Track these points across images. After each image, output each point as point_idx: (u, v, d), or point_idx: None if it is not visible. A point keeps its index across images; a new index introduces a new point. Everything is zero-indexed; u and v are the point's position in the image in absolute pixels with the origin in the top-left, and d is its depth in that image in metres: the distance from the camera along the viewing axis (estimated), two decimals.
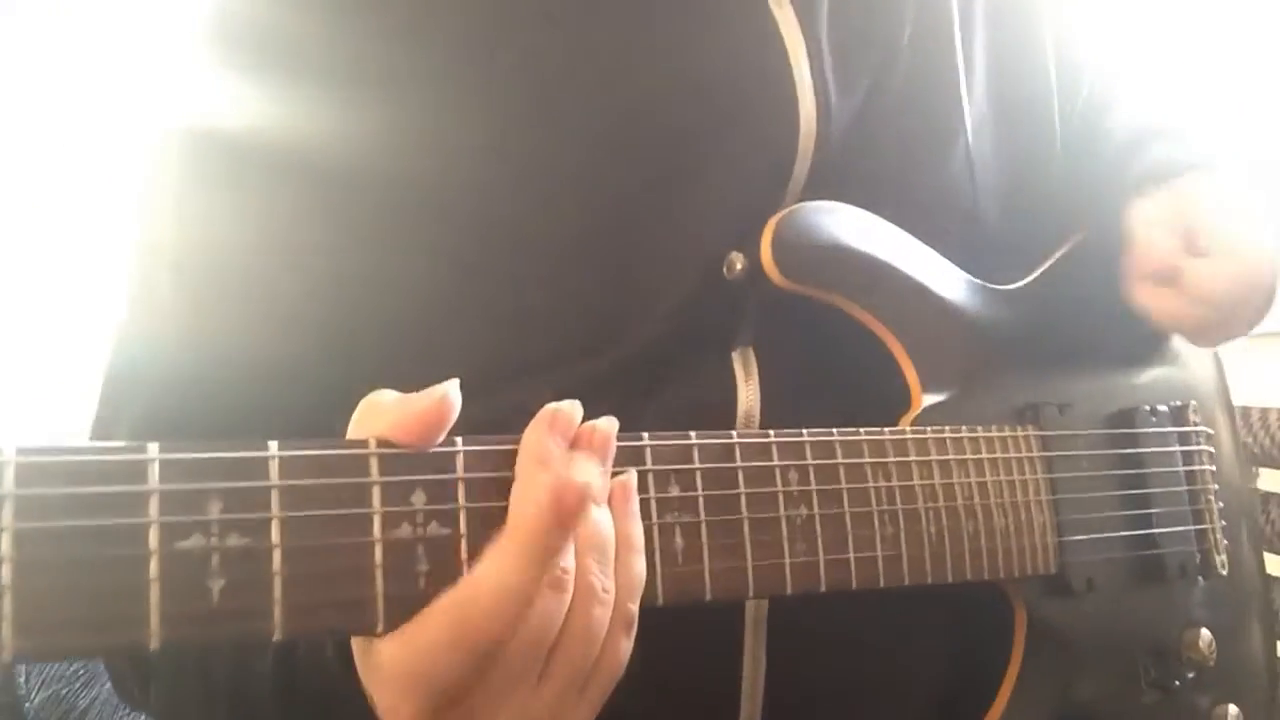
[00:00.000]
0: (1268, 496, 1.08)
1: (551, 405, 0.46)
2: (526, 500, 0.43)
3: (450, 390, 0.43)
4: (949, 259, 0.71)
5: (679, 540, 0.50)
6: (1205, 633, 0.76)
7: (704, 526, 0.51)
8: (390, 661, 0.41)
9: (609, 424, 0.47)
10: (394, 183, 0.60)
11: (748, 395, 0.62)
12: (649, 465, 0.50)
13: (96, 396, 0.66)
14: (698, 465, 0.52)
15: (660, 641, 0.61)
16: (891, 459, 0.60)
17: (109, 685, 1.40)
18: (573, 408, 0.46)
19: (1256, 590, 0.84)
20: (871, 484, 0.58)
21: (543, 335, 0.61)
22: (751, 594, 0.53)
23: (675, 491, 0.51)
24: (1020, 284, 0.76)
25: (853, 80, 0.68)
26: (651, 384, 0.62)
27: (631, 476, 0.48)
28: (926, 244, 0.70)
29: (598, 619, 0.45)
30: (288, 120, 0.60)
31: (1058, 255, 0.80)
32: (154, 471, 0.37)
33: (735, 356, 0.64)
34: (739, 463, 0.53)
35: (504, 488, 0.44)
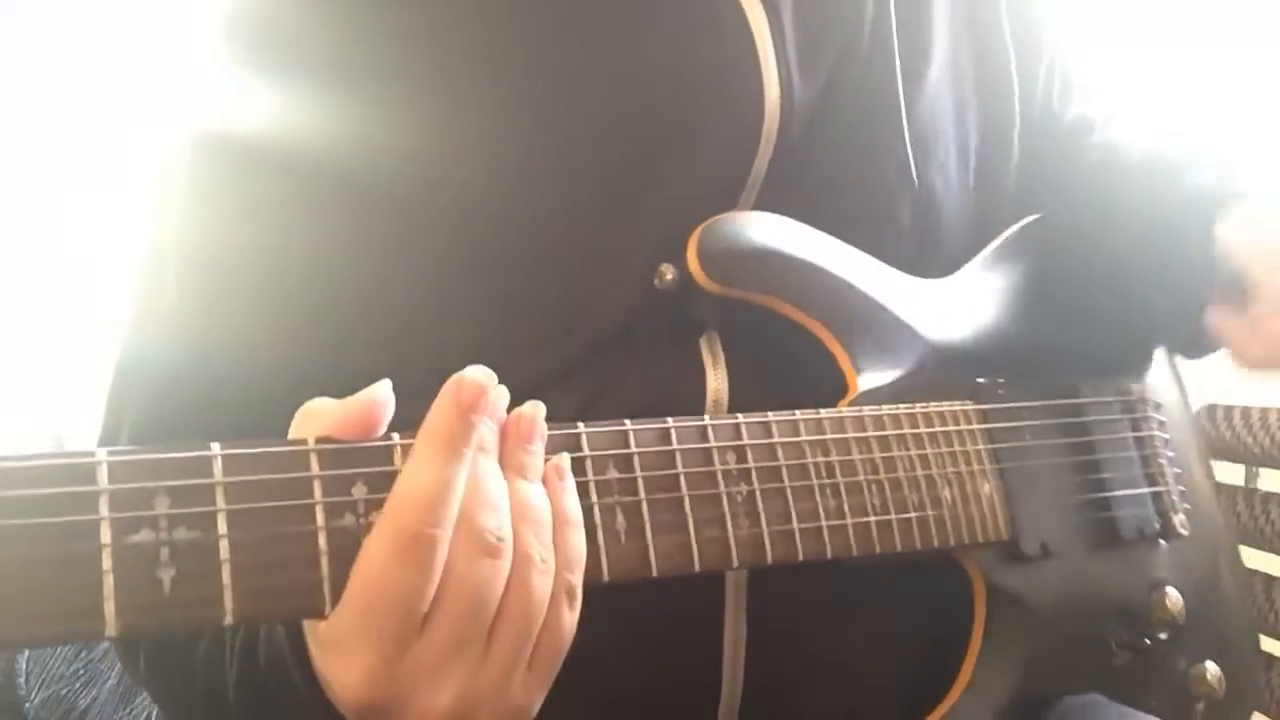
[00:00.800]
0: (1268, 496, 1.10)
1: (455, 376, 0.47)
2: (431, 414, 0.46)
3: (382, 390, 0.46)
4: (898, 252, 0.75)
5: (620, 520, 0.53)
6: (1172, 591, 0.78)
7: (644, 505, 0.54)
8: (339, 611, 0.43)
9: (533, 407, 0.50)
10: (384, 182, 0.64)
11: (716, 380, 0.65)
12: (586, 451, 0.53)
13: (102, 400, 0.68)
14: (635, 450, 0.54)
15: (643, 612, 0.63)
16: (829, 436, 0.62)
17: (109, 685, 1.42)
18: (480, 373, 0.48)
19: (1225, 546, 0.86)
20: (810, 459, 0.61)
21: (521, 321, 0.64)
22: (698, 568, 0.55)
23: (614, 474, 0.53)
24: (956, 274, 0.80)
25: (815, 68, 0.71)
26: (623, 370, 0.65)
27: (564, 457, 0.51)
28: (874, 239, 0.73)
29: (538, 587, 0.46)
30: (294, 121, 0.64)
31: (996, 244, 0.83)
32: (103, 473, 0.40)
33: (702, 343, 0.67)
34: (675, 445, 0.56)
35: None
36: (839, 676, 0.69)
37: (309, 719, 0.52)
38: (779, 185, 0.70)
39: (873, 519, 0.62)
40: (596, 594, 0.62)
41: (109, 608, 0.39)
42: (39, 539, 0.39)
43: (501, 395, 0.49)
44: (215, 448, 0.43)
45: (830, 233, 0.71)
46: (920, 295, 0.75)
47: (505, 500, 0.47)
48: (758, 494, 0.58)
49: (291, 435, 0.47)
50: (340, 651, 0.44)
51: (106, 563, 0.39)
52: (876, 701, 0.70)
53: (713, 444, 0.58)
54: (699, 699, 0.67)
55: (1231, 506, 1.10)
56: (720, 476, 0.57)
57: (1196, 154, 0.84)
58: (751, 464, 0.58)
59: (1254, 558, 1.10)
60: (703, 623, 0.66)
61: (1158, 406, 0.84)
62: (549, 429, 0.51)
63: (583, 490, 0.52)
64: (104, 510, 0.40)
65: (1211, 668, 0.79)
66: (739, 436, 0.59)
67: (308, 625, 0.47)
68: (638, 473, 0.54)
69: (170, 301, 0.66)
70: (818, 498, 0.60)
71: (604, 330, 0.66)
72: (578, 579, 0.49)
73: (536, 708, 0.49)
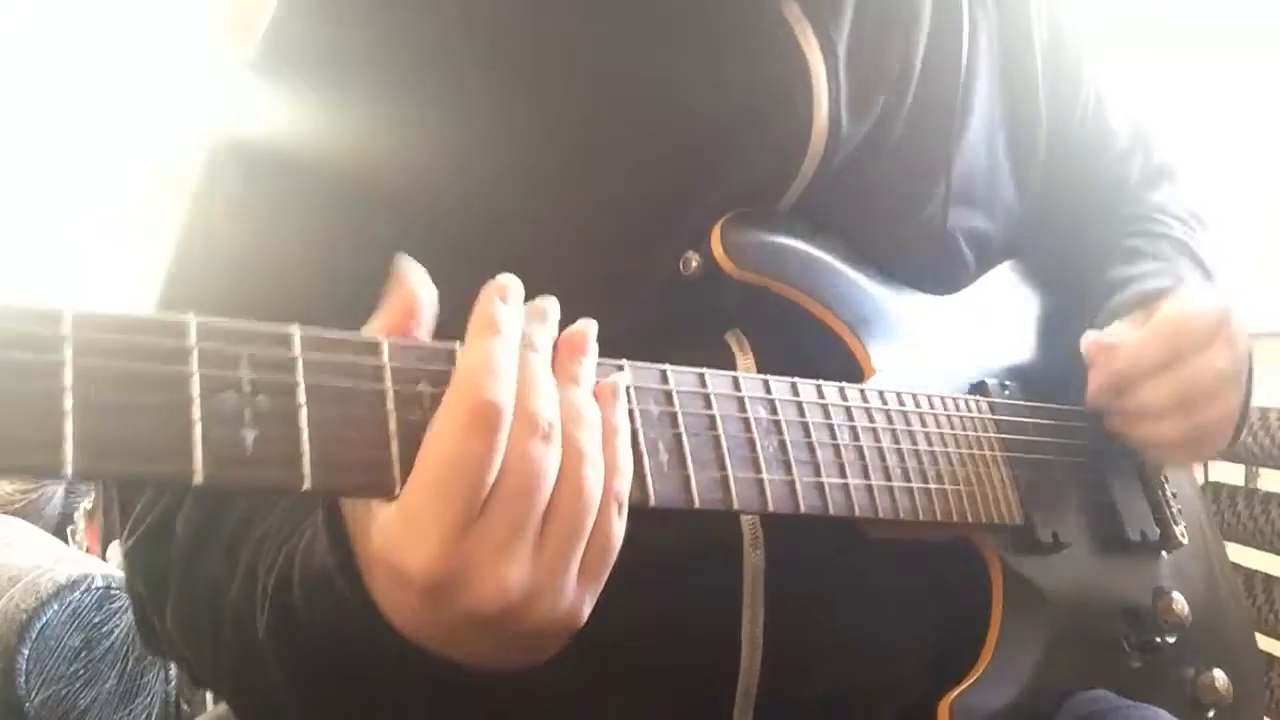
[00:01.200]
0: (1268, 496, 1.12)
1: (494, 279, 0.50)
2: (475, 307, 0.48)
3: (415, 287, 0.49)
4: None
5: (662, 450, 0.55)
6: (1178, 596, 0.79)
7: (685, 439, 0.55)
8: (410, 486, 0.45)
9: (584, 324, 0.52)
10: (416, 180, 0.67)
11: (745, 367, 0.68)
12: (630, 383, 0.55)
13: None
14: (674, 388, 0.57)
15: (661, 598, 0.64)
16: (853, 403, 0.65)
17: (109, 685, 1.39)
18: (508, 279, 0.50)
19: (1216, 556, 0.88)
20: (834, 420, 0.63)
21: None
22: (736, 505, 0.56)
23: (655, 407, 0.55)
24: (965, 289, 0.83)
25: (864, 107, 0.74)
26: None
27: (621, 376, 0.53)
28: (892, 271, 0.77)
29: (591, 482, 0.47)
30: (331, 129, 0.67)
31: (996, 268, 0.87)
32: (193, 330, 0.42)
33: (729, 339, 0.70)
34: (710, 390, 0.58)
35: None
36: (855, 660, 0.70)
37: (341, 653, 0.52)
38: (807, 214, 0.73)
39: (896, 484, 0.64)
40: (616, 573, 0.64)
41: (197, 455, 0.40)
42: (131, 384, 0.40)
43: (552, 305, 0.51)
44: (295, 328, 0.44)
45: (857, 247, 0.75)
46: (930, 303, 0.79)
47: (555, 395, 0.48)
48: (789, 444, 0.60)
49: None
50: (411, 526, 0.45)
51: (195, 414, 0.41)
52: (891, 685, 0.71)
53: (745, 394, 0.60)
54: (716, 680, 0.67)
55: (1231, 506, 1.12)
56: (754, 424, 0.59)
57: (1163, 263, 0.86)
58: (782, 418, 0.61)
59: (1254, 558, 1.11)
60: (721, 604, 0.67)
61: None
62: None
63: (628, 417, 0.53)
64: (194, 366, 0.41)
65: (1220, 675, 0.80)
66: (769, 392, 0.61)
67: (368, 517, 0.48)
68: (678, 409, 0.56)
69: (198, 295, 0.68)
70: (844, 456, 0.62)
71: (631, 325, 0.68)
72: (625, 488, 0.50)
73: (586, 611, 0.49)
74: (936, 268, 0.80)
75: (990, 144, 0.84)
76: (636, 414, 0.54)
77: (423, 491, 0.45)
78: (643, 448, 0.54)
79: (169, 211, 0.75)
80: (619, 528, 0.50)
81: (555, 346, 0.51)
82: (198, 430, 0.41)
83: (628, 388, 0.54)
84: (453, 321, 0.50)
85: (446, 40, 0.68)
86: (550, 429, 0.47)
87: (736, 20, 0.71)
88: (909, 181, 0.78)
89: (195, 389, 0.41)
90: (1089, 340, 0.78)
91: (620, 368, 0.55)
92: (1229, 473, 1.22)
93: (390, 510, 0.46)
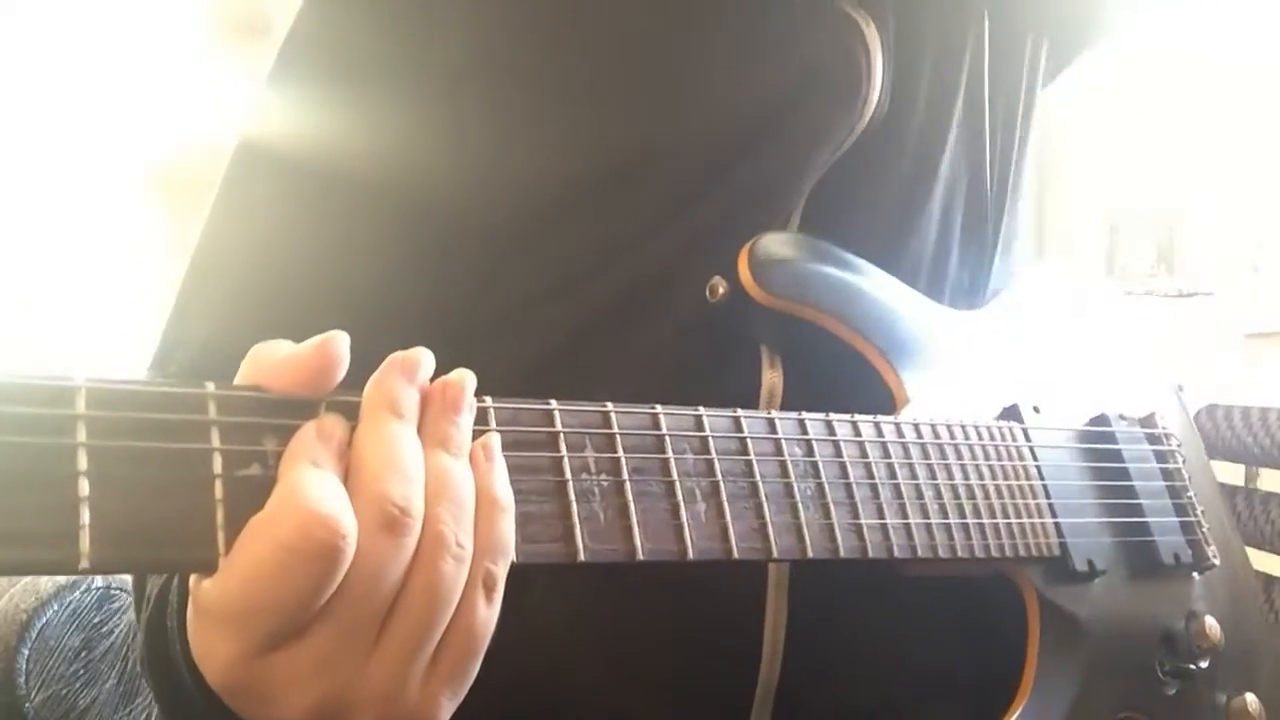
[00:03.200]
0: (1268, 496, 1.11)
1: (399, 353, 0.44)
2: (365, 442, 0.41)
3: (332, 340, 0.41)
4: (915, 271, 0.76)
5: (699, 499, 0.52)
6: (1211, 620, 0.77)
7: (722, 485, 0.53)
8: (222, 580, 0.38)
9: (460, 375, 0.45)
10: (438, 194, 0.64)
11: (772, 377, 0.66)
12: (559, 428, 0.49)
13: None
14: (709, 433, 0.54)
15: (684, 601, 0.62)
16: (887, 439, 0.62)
17: (109, 685, 1.38)
18: (421, 354, 0.44)
19: (1250, 586, 0.87)
20: (871, 459, 0.61)
21: (571, 338, 0.65)
22: (776, 553, 0.54)
23: (690, 455, 0.53)
24: (988, 305, 0.81)
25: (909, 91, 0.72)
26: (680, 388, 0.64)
27: (494, 437, 0.45)
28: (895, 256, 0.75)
29: (448, 575, 0.41)
30: (367, 140, 0.64)
31: (1017, 280, 0.85)
32: (212, 405, 0.39)
33: (761, 360, 0.68)
34: (746, 433, 0.56)
35: None
36: (876, 669, 0.69)
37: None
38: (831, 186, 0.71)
39: (934, 521, 0.62)
40: (634, 570, 0.62)
41: (220, 537, 0.38)
42: (152, 461, 0.38)
43: (425, 356, 0.44)
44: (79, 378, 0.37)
45: (860, 240, 0.72)
46: (957, 323, 0.76)
47: (417, 469, 0.41)
48: (826, 487, 0.58)
49: (238, 380, 0.42)
50: (212, 622, 0.40)
51: (218, 493, 0.38)
52: (911, 696, 0.69)
53: (781, 436, 0.58)
54: (735, 682, 0.66)
55: (1231, 506, 1.11)
56: (790, 467, 0.57)
57: None
58: (819, 457, 0.58)
59: (1254, 558, 1.10)
60: (744, 607, 0.66)
61: (1177, 439, 0.85)
62: (622, 408, 0.50)
63: (556, 466, 0.48)
64: (215, 441, 0.39)
65: (1252, 700, 0.79)
66: (804, 432, 0.59)
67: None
68: (713, 454, 0.54)
69: (217, 318, 0.66)
70: (881, 495, 0.60)
71: (658, 348, 0.66)
72: (500, 569, 0.43)
73: (443, 715, 0.43)
74: (936, 255, 0.78)
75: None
76: (673, 463, 0.52)
77: (231, 596, 0.38)
78: (680, 498, 0.51)
79: (167, 212, 0.73)
80: (487, 615, 0.43)
81: (424, 400, 0.44)
82: (220, 512, 0.38)
83: (559, 433, 0.48)
84: (482, 335, 0.46)
85: (485, 49, 0.66)
86: (403, 517, 0.40)
87: (794, 17, 0.69)
88: (915, 165, 0.76)
89: (218, 466, 0.39)
90: None
91: (549, 410, 0.48)
92: (1229, 473, 1.21)
93: (201, 591, 0.39)
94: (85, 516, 0.35)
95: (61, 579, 1.41)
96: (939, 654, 0.71)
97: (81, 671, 1.38)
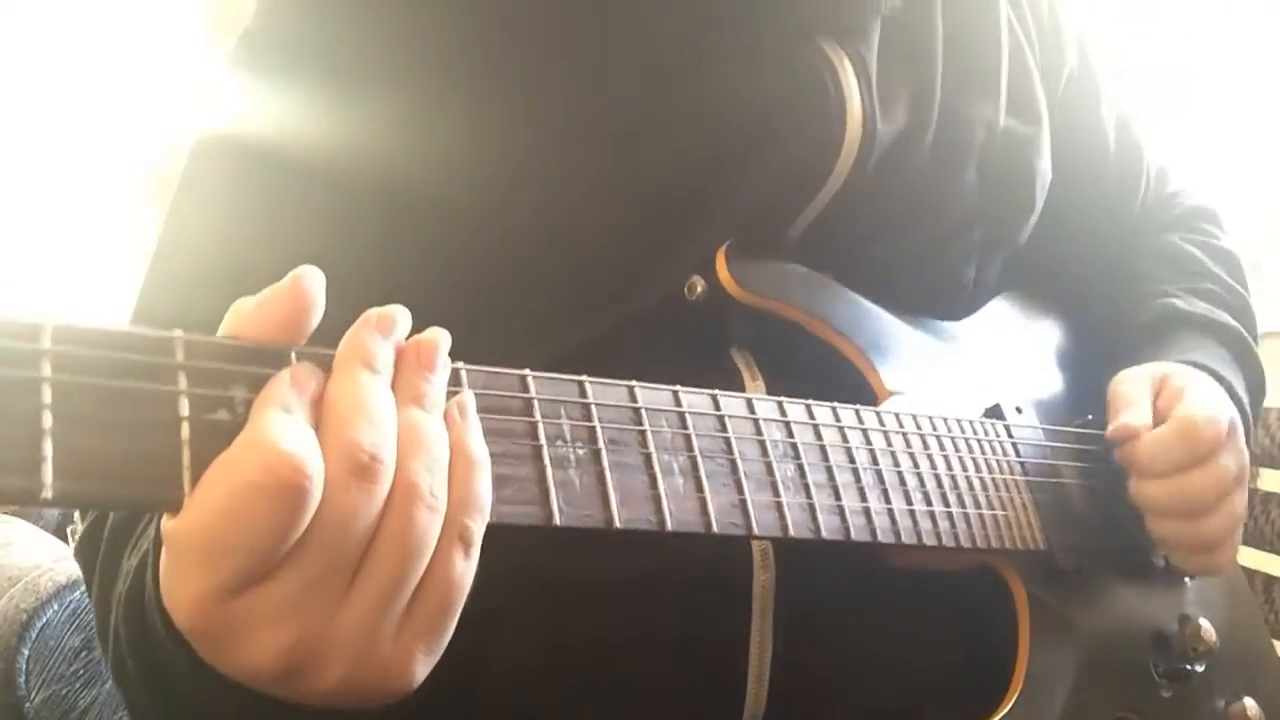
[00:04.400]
0: (1268, 496, 1.10)
1: (375, 309, 0.44)
2: (337, 392, 0.41)
3: (304, 275, 0.42)
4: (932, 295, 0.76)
5: (677, 473, 0.52)
6: (1205, 623, 0.76)
7: (700, 461, 0.53)
8: (188, 518, 0.38)
9: (434, 333, 0.45)
10: (426, 192, 0.64)
11: (755, 391, 0.65)
12: (533, 394, 0.49)
13: None
14: (687, 410, 0.54)
15: (668, 629, 0.61)
16: (868, 426, 0.62)
17: (109, 685, 1.36)
18: (397, 310, 0.44)
19: (1244, 590, 0.86)
20: (851, 444, 0.61)
21: (547, 333, 0.64)
22: (756, 530, 0.54)
23: (667, 429, 0.53)
24: (976, 314, 0.81)
25: (894, 112, 0.72)
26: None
27: (468, 394, 0.45)
28: (918, 279, 0.75)
29: (421, 524, 0.40)
30: (329, 130, 0.64)
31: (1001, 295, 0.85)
32: (180, 348, 0.39)
33: (737, 358, 0.67)
34: (724, 411, 0.56)
35: None
36: (864, 689, 0.67)
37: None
38: (833, 220, 0.71)
39: (917, 508, 0.62)
40: (619, 590, 0.61)
41: (185, 478, 0.38)
42: (116, 400, 0.37)
43: (401, 314, 0.44)
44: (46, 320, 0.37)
45: (875, 269, 0.72)
46: (940, 326, 0.77)
47: (389, 419, 0.41)
48: (806, 468, 0.57)
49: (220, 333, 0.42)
50: (180, 562, 0.39)
51: (184, 434, 0.38)
52: (902, 715, 0.67)
53: (760, 417, 0.57)
54: (722, 704, 0.64)
55: None
56: (770, 447, 0.56)
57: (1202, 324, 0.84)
58: (798, 440, 0.58)
59: (1254, 558, 1.09)
60: (729, 636, 0.64)
61: None
62: (598, 381, 0.50)
63: (530, 431, 0.48)
64: (183, 385, 0.39)
65: (1250, 704, 0.77)
66: (784, 415, 0.59)
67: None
68: (691, 431, 0.54)
69: (182, 307, 0.65)
70: (863, 479, 0.60)
71: (635, 345, 0.66)
72: (477, 526, 0.43)
73: (418, 670, 0.43)
74: (949, 285, 0.78)
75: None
76: (649, 435, 0.52)
77: (195, 534, 0.38)
78: (657, 470, 0.51)
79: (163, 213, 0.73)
80: (463, 569, 0.42)
81: (398, 358, 0.44)
82: (186, 454, 0.38)
83: (533, 399, 0.48)
84: (451, 329, 0.46)
85: (455, 41, 0.66)
86: (373, 464, 0.40)
87: (758, 30, 0.69)
88: (936, 190, 0.75)
89: (185, 409, 0.38)
90: (1117, 425, 0.74)
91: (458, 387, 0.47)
92: None
93: (170, 529, 0.39)
94: (48, 449, 0.35)
95: (61, 578, 1.41)
96: (927, 678, 0.69)
97: (81, 671, 1.38)
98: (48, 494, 0.35)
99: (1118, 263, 0.91)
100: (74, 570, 1.44)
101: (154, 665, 0.48)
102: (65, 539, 1.96)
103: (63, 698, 1.35)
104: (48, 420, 0.35)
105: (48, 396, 0.36)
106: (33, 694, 1.31)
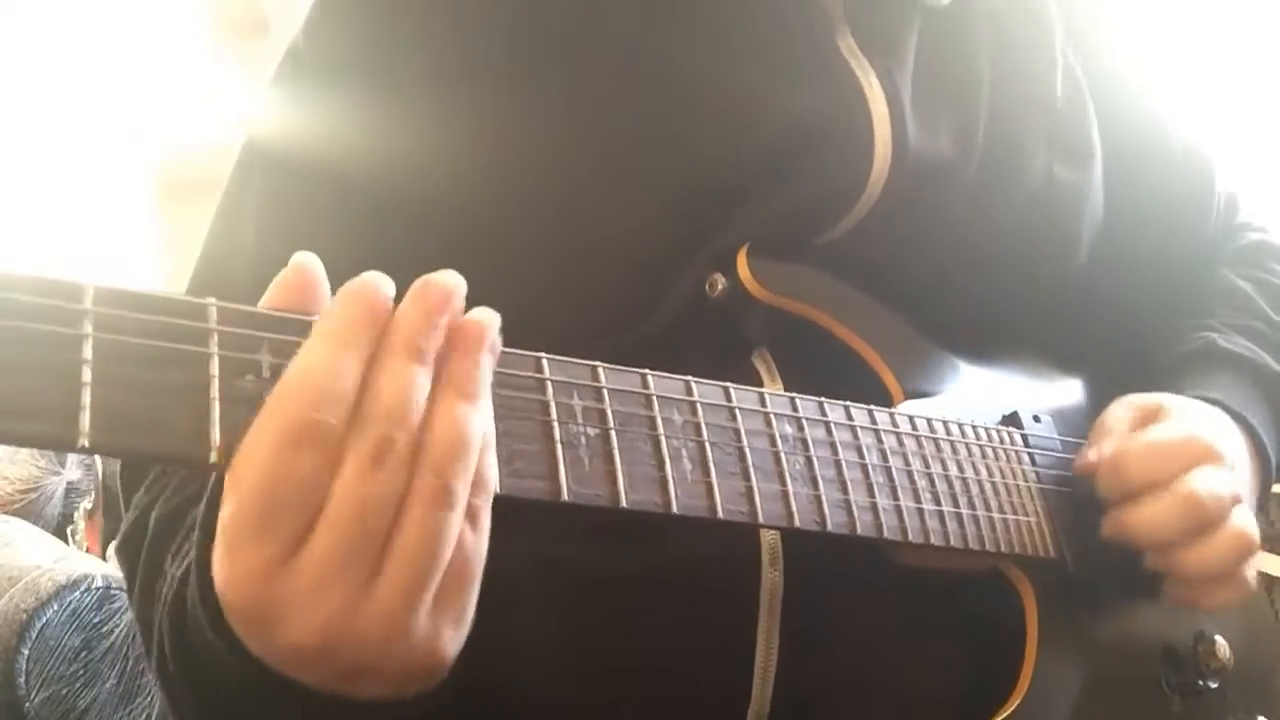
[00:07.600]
0: (1269, 496, 1.09)
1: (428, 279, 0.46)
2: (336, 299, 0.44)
3: (304, 259, 0.45)
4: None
5: (685, 459, 0.54)
6: (1221, 640, 0.77)
7: (708, 448, 0.55)
8: (235, 499, 0.42)
9: (483, 314, 0.46)
10: (442, 192, 0.67)
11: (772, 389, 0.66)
12: (546, 375, 0.51)
13: None
14: (698, 399, 0.56)
15: (674, 626, 0.63)
16: (881, 427, 0.64)
17: (109, 685, 1.39)
18: (455, 283, 0.46)
19: (1262, 605, 0.85)
20: (862, 442, 0.62)
21: (566, 329, 0.66)
22: (761, 518, 0.55)
23: (677, 416, 0.55)
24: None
25: (935, 131, 0.73)
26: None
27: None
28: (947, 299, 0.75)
29: (443, 521, 0.43)
30: (370, 144, 0.67)
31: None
32: (213, 313, 0.42)
33: (756, 360, 0.68)
34: (735, 404, 0.57)
35: None
36: (870, 691, 0.67)
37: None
38: (860, 238, 0.72)
39: (927, 507, 0.63)
40: (631, 585, 0.63)
41: (215, 434, 0.40)
42: (152, 359, 0.40)
43: (457, 282, 0.46)
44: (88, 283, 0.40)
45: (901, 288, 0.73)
46: (962, 334, 0.77)
47: (412, 405, 0.43)
48: (815, 461, 0.59)
49: None
50: (231, 543, 0.42)
51: (214, 393, 0.41)
52: (906, 717, 0.68)
53: (770, 410, 0.59)
54: (726, 709, 0.65)
55: None
56: (779, 440, 0.58)
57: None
58: (808, 435, 0.60)
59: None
60: (734, 632, 0.65)
61: None
62: (611, 368, 0.52)
63: (543, 409, 0.50)
64: (214, 348, 0.41)
65: None
66: (795, 410, 0.60)
67: None
68: (701, 419, 0.55)
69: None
70: (872, 476, 0.61)
71: (654, 342, 0.68)
72: (482, 502, 0.45)
73: (448, 646, 0.45)
74: (976, 312, 0.78)
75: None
76: (659, 421, 0.54)
77: (240, 512, 0.41)
78: (665, 455, 0.53)
79: (167, 212, 0.77)
80: (473, 542, 0.45)
81: (446, 339, 0.45)
82: (216, 410, 0.41)
83: (545, 380, 0.51)
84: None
85: (491, 50, 0.68)
86: (393, 447, 0.42)
87: (790, 43, 0.71)
88: (973, 224, 0.76)
89: (215, 369, 0.41)
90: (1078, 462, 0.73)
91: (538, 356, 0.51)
92: None
93: (222, 517, 0.43)
94: (86, 399, 0.38)
95: (61, 578, 1.42)
96: (933, 681, 0.70)
97: (81, 671, 1.40)
98: (84, 441, 0.38)
99: (1174, 290, 0.91)
100: (74, 570, 1.46)
101: (196, 664, 0.51)
102: (65, 539, 2.00)
103: (63, 698, 1.36)
104: (87, 374, 0.38)
105: (88, 352, 0.39)
106: (33, 694, 1.33)
